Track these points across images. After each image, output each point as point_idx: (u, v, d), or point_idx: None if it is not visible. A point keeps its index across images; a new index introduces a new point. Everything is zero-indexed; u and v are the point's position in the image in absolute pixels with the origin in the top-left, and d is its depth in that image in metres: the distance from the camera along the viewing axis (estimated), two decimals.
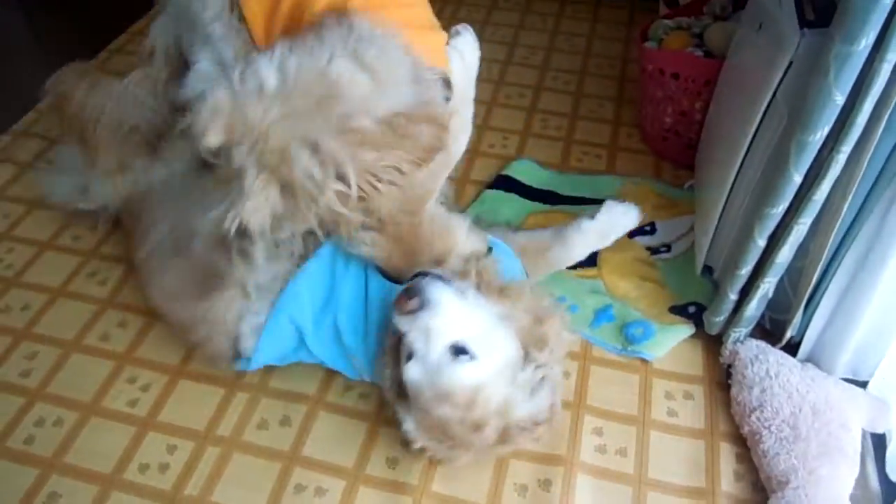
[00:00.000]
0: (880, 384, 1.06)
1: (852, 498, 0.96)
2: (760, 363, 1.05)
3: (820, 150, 0.87)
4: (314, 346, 1.07)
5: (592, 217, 1.23)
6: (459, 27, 1.03)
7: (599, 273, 1.31)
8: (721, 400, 1.11)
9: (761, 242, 0.98)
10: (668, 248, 1.36)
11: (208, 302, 1.02)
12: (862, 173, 0.86)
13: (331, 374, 1.14)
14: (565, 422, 1.08)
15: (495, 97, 1.70)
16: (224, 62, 1.02)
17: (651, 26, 1.47)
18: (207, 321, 1.04)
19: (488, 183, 1.48)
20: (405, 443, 0.95)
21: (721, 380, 1.13)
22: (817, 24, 0.90)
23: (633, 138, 1.59)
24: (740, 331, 1.10)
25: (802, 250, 0.98)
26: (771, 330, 1.14)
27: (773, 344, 1.10)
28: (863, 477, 0.99)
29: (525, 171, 1.50)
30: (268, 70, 0.83)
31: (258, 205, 0.83)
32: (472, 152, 1.56)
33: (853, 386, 1.05)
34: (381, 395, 1.05)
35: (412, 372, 0.89)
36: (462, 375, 0.87)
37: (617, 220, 1.24)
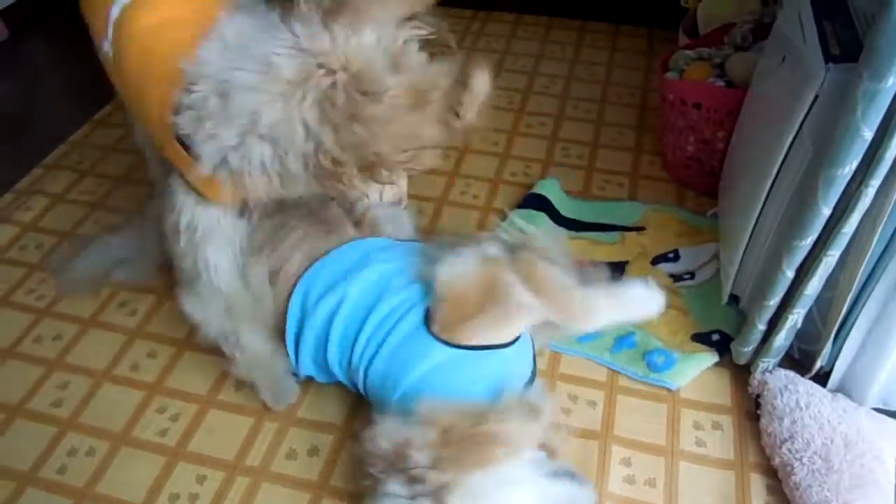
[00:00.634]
0: None
1: None
2: (790, 393, 1.05)
3: (848, 184, 0.87)
4: (291, 314, 1.07)
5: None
6: None
7: None
8: (750, 430, 1.10)
9: (790, 274, 0.98)
10: (692, 275, 1.36)
11: None
12: (891, 206, 0.86)
13: (358, 403, 1.15)
14: (593, 452, 1.08)
15: (516, 126, 1.72)
16: None
17: (672, 57, 1.48)
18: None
19: (517, 203, 1.49)
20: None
21: (750, 410, 1.13)
22: (842, 59, 0.91)
23: (654, 166, 1.60)
24: (769, 361, 1.10)
25: (831, 281, 0.98)
26: (800, 360, 1.13)
27: (803, 374, 1.10)
28: None
29: (554, 191, 1.51)
30: None
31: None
32: (495, 180, 1.58)
33: (885, 417, 1.04)
34: None
35: None
36: None
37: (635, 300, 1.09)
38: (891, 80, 0.77)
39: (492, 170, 1.61)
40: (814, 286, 0.97)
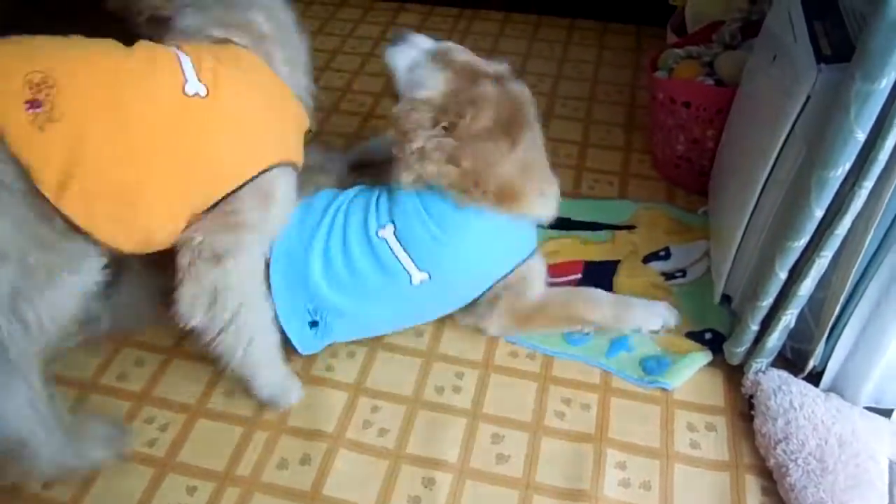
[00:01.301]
0: None
1: None
2: (784, 394, 1.05)
3: (841, 186, 0.87)
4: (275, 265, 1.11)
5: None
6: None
7: None
8: (744, 431, 1.10)
9: (782, 275, 0.98)
10: (684, 273, 1.35)
11: None
12: (884, 207, 0.86)
13: (349, 411, 1.14)
14: (588, 456, 1.07)
15: None
16: None
17: (661, 55, 1.48)
18: None
19: None
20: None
21: (743, 410, 1.13)
22: (834, 59, 0.91)
23: (644, 164, 1.60)
24: (762, 361, 1.10)
25: (824, 281, 0.98)
26: (792, 359, 1.13)
27: (795, 374, 1.10)
28: None
29: None
30: None
31: None
32: None
33: (879, 416, 1.05)
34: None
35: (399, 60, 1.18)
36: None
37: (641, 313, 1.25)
38: (884, 82, 0.77)
39: None
40: (807, 287, 0.97)
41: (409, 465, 1.07)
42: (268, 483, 1.06)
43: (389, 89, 1.24)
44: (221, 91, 0.97)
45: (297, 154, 1.09)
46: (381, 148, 1.39)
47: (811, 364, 1.08)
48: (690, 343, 1.22)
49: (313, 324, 1.15)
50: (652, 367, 1.19)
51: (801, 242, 0.93)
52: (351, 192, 1.21)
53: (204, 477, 1.07)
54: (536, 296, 1.23)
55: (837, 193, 0.88)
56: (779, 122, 0.98)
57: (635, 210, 1.48)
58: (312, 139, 1.24)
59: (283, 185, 1.06)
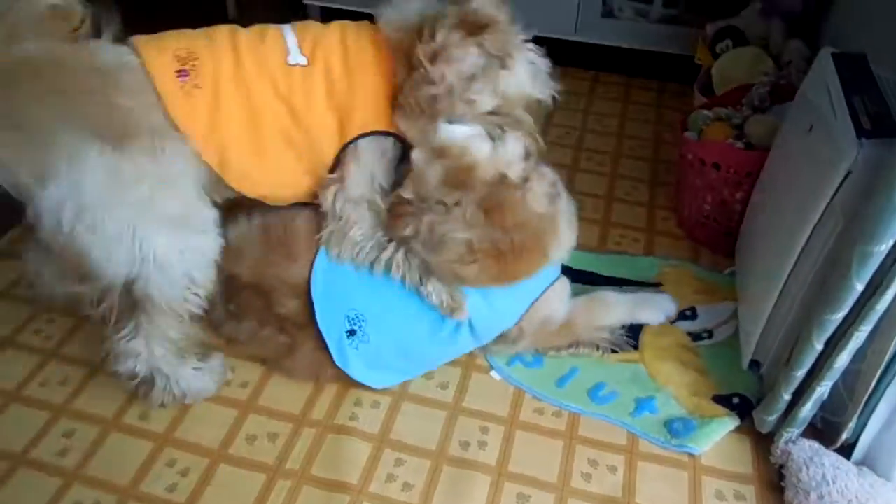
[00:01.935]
0: None
1: None
2: (816, 466, 1.03)
3: (883, 261, 0.87)
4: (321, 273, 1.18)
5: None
6: None
7: (641, 357, 1.30)
8: (773, 502, 1.08)
9: (819, 346, 0.98)
10: (710, 334, 1.35)
11: None
12: None
13: (373, 462, 1.12)
14: None
15: None
16: None
17: (690, 116, 1.50)
18: None
19: None
20: None
21: (772, 479, 1.11)
22: (874, 134, 0.92)
23: (669, 222, 1.60)
24: (793, 431, 1.08)
25: (860, 354, 0.97)
26: (823, 430, 1.12)
27: (826, 445, 1.08)
28: None
29: None
30: None
31: None
32: None
33: None
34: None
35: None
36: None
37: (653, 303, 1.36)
38: None
39: None
40: (843, 360, 0.97)
41: None
42: None
43: None
44: (318, 62, 1.11)
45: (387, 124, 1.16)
46: None
47: (843, 436, 1.06)
48: (718, 407, 1.21)
49: (351, 333, 1.18)
50: (678, 429, 1.17)
51: (840, 315, 0.93)
52: None
53: None
54: (562, 313, 1.28)
55: (879, 268, 0.88)
56: (817, 194, 0.98)
57: (662, 268, 1.48)
58: None
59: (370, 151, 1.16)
